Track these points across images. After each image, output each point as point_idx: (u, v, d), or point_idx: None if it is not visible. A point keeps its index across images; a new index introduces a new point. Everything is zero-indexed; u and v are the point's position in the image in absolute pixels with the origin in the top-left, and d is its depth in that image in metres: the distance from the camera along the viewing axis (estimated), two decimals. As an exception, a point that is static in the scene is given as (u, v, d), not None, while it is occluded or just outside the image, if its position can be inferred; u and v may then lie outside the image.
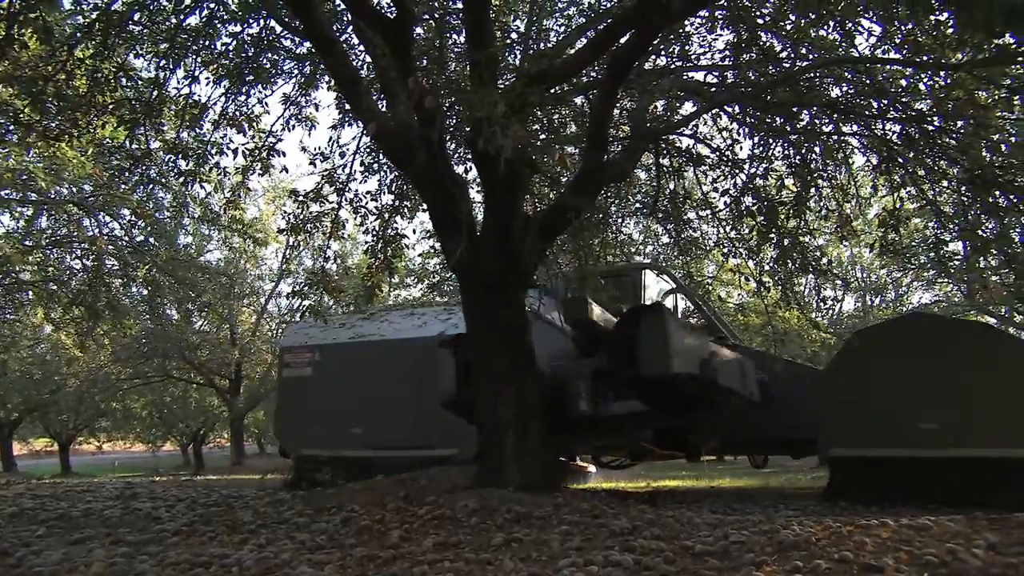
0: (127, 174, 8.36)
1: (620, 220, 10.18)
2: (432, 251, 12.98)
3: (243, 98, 7.36)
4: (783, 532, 3.94)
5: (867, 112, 6.36)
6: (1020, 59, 4.02)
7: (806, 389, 7.27)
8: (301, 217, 7.41)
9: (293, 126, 7.60)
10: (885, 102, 6.05)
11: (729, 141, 7.63)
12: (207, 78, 7.29)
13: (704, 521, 4.67)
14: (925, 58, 5.50)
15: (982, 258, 6.91)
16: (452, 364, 6.46)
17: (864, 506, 5.84)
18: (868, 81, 6.02)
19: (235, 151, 7.28)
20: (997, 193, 6.30)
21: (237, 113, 7.34)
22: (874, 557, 3.38)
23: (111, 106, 7.05)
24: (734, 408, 7.15)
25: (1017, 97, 5.72)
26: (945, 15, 4.99)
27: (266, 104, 8.60)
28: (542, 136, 6.97)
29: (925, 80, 6.09)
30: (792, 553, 3.56)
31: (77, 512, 5.82)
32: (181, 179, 7.44)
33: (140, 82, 7.41)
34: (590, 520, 4.57)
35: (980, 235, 6.54)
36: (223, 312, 22.77)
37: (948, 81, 5.65)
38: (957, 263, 8.87)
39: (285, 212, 7.68)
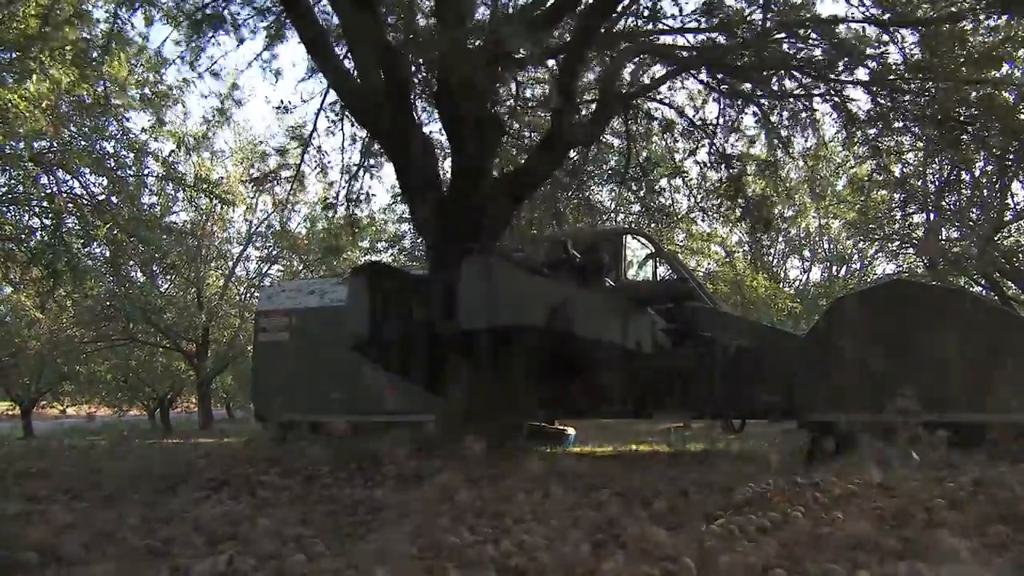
0: (87, 129, 8.13)
1: (591, 186, 10.19)
2: (401, 215, 12.87)
3: (208, 49, 7.17)
4: (738, 490, 4.02)
5: (833, 75, 6.37)
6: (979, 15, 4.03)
7: (788, 355, 7.07)
8: (267, 171, 7.31)
9: (258, 83, 7.44)
10: (847, 59, 6.04)
11: (699, 103, 7.63)
12: (168, 26, 7.08)
13: (664, 479, 4.74)
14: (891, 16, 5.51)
15: (943, 230, 7.02)
16: (366, 297, 5.53)
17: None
18: (835, 42, 6.01)
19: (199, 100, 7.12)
20: (964, 138, 6.35)
21: (200, 65, 7.16)
22: (824, 511, 3.46)
23: (67, 48, 6.80)
24: (613, 360, 6.39)
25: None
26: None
27: (227, 56, 8.39)
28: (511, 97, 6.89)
29: (897, 35, 6.07)
30: (745, 509, 3.63)
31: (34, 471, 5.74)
32: (142, 132, 7.27)
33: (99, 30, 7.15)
34: (552, 479, 4.61)
35: (942, 206, 6.66)
36: (189, 275, 22.41)
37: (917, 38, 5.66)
38: (920, 234, 9.02)
39: (251, 167, 7.54)
